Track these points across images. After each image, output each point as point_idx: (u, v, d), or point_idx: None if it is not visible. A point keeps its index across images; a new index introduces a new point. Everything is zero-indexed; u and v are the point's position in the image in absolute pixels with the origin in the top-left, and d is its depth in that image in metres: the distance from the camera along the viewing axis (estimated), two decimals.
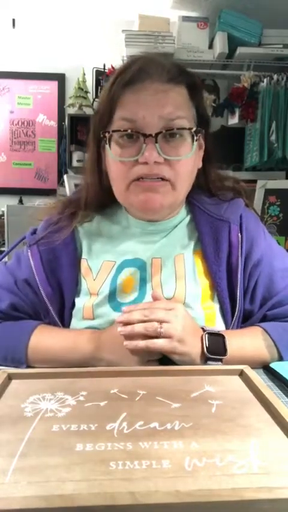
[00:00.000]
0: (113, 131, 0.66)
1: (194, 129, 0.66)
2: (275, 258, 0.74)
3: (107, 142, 0.67)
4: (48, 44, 2.85)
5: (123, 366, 0.59)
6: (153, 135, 0.63)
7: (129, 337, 0.59)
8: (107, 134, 0.67)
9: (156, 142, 0.63)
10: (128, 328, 0.59)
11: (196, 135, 0.67)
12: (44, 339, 0.68)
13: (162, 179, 0.66)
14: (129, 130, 0.65)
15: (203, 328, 0.65)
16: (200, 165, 0.74)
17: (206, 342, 0.62)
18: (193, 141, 0.67)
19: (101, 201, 0.76)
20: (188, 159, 0.67)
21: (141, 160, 0.64)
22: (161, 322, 0.59)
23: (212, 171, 0.78)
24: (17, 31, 2.83)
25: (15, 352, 0.67)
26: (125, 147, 0.66)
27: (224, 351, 0.62)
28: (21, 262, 0.75)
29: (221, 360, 0.61)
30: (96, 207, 0.77)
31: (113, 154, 0.67)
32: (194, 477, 0.33)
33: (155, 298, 0.65)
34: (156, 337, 0.58)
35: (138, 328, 0.58)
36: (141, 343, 0.58)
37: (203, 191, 0.78)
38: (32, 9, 2.77)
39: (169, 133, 0.65)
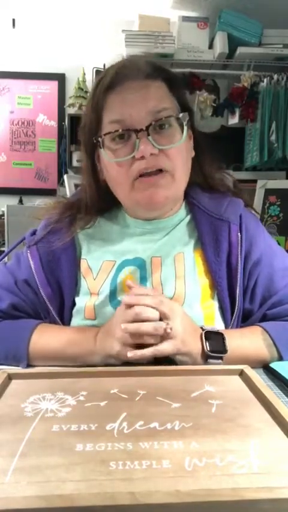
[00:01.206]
0: (105, 134, 0.67)
1: (181, 115, 0.68)
2: (274, 258, 0.75)
3: (101, 146, 0.68)
4: (48, 44, 2.85)
5: (116, 352, 0.60)
6: (144, 128, 0.64)
7: (132, 335, 0.59)
8: (99, 139, 0.68)
9: (148, 135, 0.64)
10: (134, 326, 0.58)
11: (184, 121, 0.68)
12: (45, 336, 0.68)
13: (161, 171, 0.66)
14: (120, 130, 0.66)
15: (202, 328, 0.65)
16: (193, 153, 0.75)
17: (205, 340, 0.62)
18: (182, 127, 0.68)
19: (100, 205, 0.77)
20: (181, 146, 0.68)
21: (138, 156, 0.65)
22: (166, 318, 0.59)
23: (205, 161, 0.78)
24: (17, 31, 2.83)
25: (16, 350, 0.67)
26: (119, 149, 0.67)
27: (224, 349, 0.62)
28: (21, 263, 0.75)
29: (221, 358, 0.62)
30: (96, 210, 0.77)
31: (109, 158, 0.68)
32: (194, 477, 0.33)
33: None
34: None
35: (147, 327, 0.58)
36: (147, 353, 0.58)
37: (201, 187, 0.79)
38: (32, 9, 2.77)
39: (159, 125, 0.66)
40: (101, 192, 0.75)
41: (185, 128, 0.68)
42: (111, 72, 0.67)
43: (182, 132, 0.68)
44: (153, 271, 0.71)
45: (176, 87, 0.72)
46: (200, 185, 0.79)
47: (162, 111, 0.66)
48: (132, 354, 0.58)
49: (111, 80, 0.67)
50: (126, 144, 0.66)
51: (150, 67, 0.69)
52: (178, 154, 0.68)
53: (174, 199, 0.72)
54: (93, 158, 0.73)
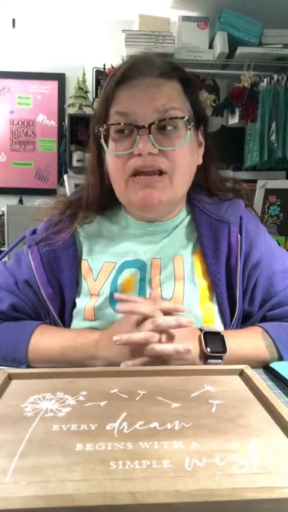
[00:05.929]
0: (107, 125, 0.67)
1: (187, 117, 0.66)
2: (274, 260, 0.74)
3: (102, 137, 0.68)
4: (48, 44, 2.84)
5: (120, 363, 0.59)
6: (146, 126, 0.63)
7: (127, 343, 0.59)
8: (101, 129, 0.67)
9: (149, 133, 0.63)
10: (124, 338, 0.58)
11: (189, 124, 0.66)
12: (44, 338, 0.68)
13: (160, 173, 0.66)
14: (122, 123, 0.65)
15: (200, 329, 0.65)
16: (200, 161, 0.74)
17: (204, 342, 0.62)
18: (187, 131, 0.66)
19: (102, 202, 0.76)
20: (183, 150, 0.67)
21: (136, 152, 0.64)
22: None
23: (212, 170, 0.77)
24: (17, 31, 2.83)
25: (16, 352, 0.67)
26: (120, 142, 0.66)
27: (223, 349, 0.62)
28: (22, 263, 0.75)
29: (221, 358, 0.61)
30: (97, 208, 0.77)
31: (109, 150, 0.68)
32: (194, 477, 0.33)
33: (153, 299, 0.65)
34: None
35: (138, 337, 0.58)
36: (135, 337, 0.58)
37: (203, 190, 0.78)
38: (32, 9, 2.77)
39: (162, 124, 0.65)
40: (104, 187, 0.74)
41: (189, 131, 0.66)
42: (125, 65, 0.67)
43: (186, 134, 0.66)
44: (153, 273, 0.71)
45: (191, 90, 0.70)
46: (203, 188, 0.78)
47: (170, 110, 0.65)
48: (118, 337, 0.57)
49: (125, 72, 0.66)
50: (128, 138, 0.66)
51: (167, 65, 0.68)
52: (180, 157, 0.66)
53: (171, 203, 0.70)
54: (100, 147, 0.72)
